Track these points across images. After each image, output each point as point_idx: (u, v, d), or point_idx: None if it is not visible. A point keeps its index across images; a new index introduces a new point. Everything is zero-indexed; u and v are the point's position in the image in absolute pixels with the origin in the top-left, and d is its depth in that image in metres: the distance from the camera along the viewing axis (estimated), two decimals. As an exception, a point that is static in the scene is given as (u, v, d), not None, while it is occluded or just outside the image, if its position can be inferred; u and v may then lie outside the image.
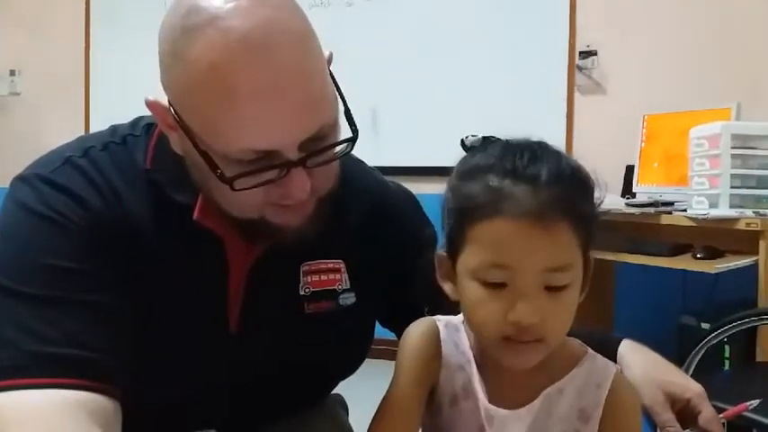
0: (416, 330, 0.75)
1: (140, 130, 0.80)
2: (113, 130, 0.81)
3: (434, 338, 0.74)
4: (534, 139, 0.69)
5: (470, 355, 0.73)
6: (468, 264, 0.66)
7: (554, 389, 0.71)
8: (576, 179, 0.67)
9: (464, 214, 0.66)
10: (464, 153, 0.72)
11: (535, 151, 0.67)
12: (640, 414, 0.76)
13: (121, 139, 0.79)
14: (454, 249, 0.68)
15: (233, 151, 0.66)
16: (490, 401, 0.71)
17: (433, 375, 0.73)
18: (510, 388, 0.71)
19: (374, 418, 0.73)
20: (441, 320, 0.75)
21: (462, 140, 0.73)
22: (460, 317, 0.75)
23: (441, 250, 0.72)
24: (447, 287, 0.72)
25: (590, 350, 0.74)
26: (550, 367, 0.71)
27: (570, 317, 0.68)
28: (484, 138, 0.72)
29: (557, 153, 0.68)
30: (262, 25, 0.64)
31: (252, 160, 0.67)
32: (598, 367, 0.73)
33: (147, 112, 0.79)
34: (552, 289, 0.64)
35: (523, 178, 0.64)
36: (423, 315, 0.77)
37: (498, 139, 0.71)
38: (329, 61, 0.72)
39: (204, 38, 0.64)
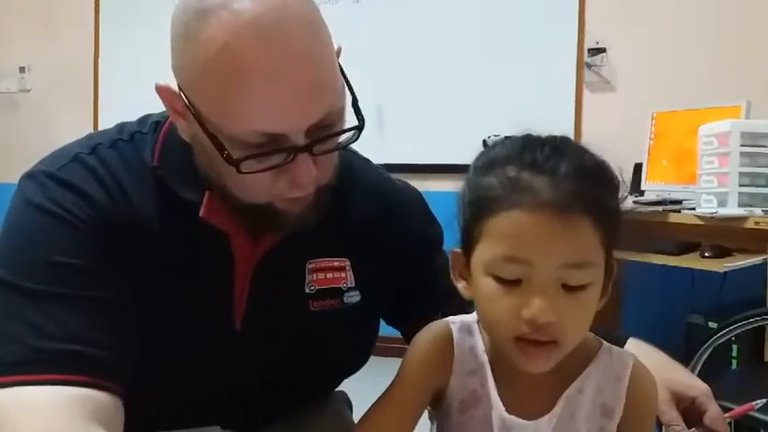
0: (427, 336, 0.72)
1: (148, 128, 0.80)
2: (121, 127, 0.81)
3: (446, 344, 0.71)
4: (556, 134, 0.67)
5: (485, 358, 0.71)
6: (482, 258, 0.64)
7: (573, 390, 0.69)
8: (600, 174, 0.65)
9: (480, 207, 0.64)
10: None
11: (557, 145, 0.64)
12: (657, 401, 0.74)
13: (129, 137, 0.79)
14: (469, 245, 0.66)
15: (241, 132, 0.67)
16: (507, 409, 0.69)
17: (439, 382, 0.72)
18: (528, 392, 0.69)
19: (365, 415, 0.73)
20: (455, 323, 0.73)
21: (484, 141, 0.72)
22: (474, 316, 0.73)
23: (455, 247, 0.70)
24: (460, 285, 0.70)
25: (604, 342, 0.72)
26: (567, 365, 0.68)
27: (588, 320, 0.65)
28: (506, 137, 0.69)
29: (580, 147, 0.65)
30: (273, 9, 0.65)
31: (259, 143, 0.67)
32: (615, 359, 0.71)
33: (156, 110, 0.79)
34: (570, 288, 0.62)
35: (543, 170, 0.62)
36: (428, 315, 0.76)
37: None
38: (338, 54, 0.73)
39: (216, 20, 0.65)
